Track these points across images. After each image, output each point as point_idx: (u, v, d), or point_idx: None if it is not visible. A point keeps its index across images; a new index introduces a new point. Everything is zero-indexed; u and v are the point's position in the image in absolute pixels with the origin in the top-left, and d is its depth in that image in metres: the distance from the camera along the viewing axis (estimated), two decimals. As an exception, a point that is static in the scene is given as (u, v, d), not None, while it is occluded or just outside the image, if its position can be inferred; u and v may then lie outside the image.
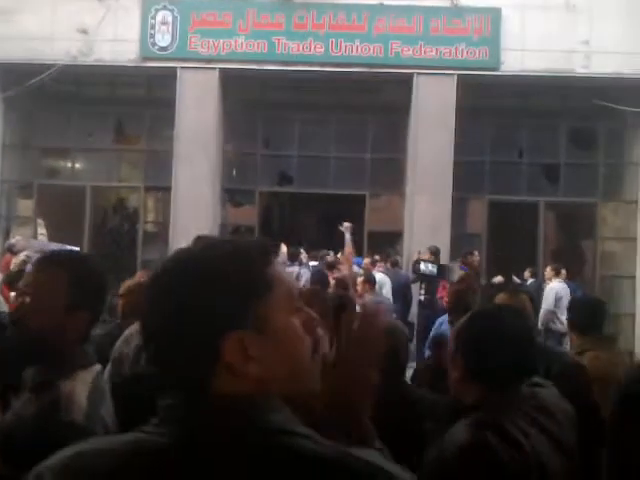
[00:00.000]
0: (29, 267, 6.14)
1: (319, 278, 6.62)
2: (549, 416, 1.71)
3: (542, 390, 1.84)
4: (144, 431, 0.91)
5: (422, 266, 9.43)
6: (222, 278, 0.91)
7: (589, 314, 3.42)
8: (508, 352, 1.69)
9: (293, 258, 9.47)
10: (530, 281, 10.22)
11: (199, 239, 1.02)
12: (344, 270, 7.67)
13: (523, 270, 10.64)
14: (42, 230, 11.87)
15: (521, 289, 3.91)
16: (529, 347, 1.78)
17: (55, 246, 8.79)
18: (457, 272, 8.73)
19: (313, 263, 9.71)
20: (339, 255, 9.14)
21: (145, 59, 11.11)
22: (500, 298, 3.17)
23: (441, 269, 9.47)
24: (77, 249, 8.23)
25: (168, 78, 11.08)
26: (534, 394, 1.77)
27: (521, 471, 1.52)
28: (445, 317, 6.23)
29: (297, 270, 8.92)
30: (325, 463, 0.86)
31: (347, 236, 7.98)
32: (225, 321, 0.90)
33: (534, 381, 1.88)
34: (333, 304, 3.01)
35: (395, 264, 10.27)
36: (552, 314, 8.93)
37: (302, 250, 10.14)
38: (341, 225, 8.30)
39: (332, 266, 8.40)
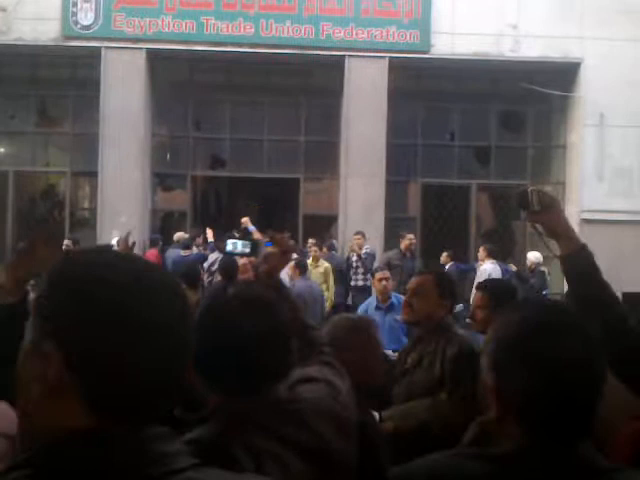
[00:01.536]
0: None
1: (227, 264, 6.44)
2: (299, 425, 1.50)
3: (307, 388, 1.64)
4: None
5: (230, 246, 9.15)
6: None
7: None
8: (233, 355, 1.44)
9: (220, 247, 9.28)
10: (448, 265, 10.23)
11: None
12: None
13: (457, 252, 10.78)
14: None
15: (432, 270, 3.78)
16: (269, 349, 1.48)
17: None
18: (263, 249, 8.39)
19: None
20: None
21: (67, 38, 10.70)
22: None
23: (254, 247, 9.15)
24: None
25: (92, 58, 10.70)
26: (293, 397, 1.57)
27: None
28: (370, 300, 6.25)
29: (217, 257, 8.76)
30: None
31: (250, 227, 8.09)
32: None
33: (307, 376, 1.70)
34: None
35: (331, 248, 10.27)
36: None
37: (236, 234, 10.01)
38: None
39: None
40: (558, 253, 1.95)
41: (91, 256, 0.90)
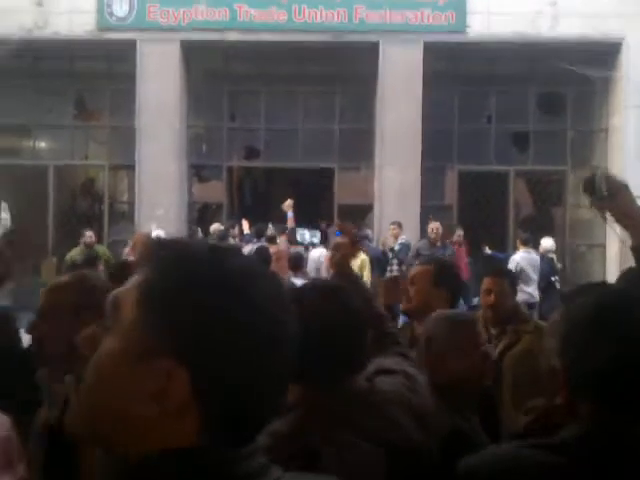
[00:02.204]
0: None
1: (261, 253, 6.49)
2: (378, 416, 1.48)
3: (386, 380, 1.63)
4: None
5: (299, 236, 9.00)
6: None
7: None
8: (316, 345, 1.39)
9: (259, 234, 9.28)
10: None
11: None
12: (282, 246, 7.76)
13: (495, 240, 10.63)
14: (5, 214, 11.57)
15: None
16: (349, 338, 1.49)
17: None
18: (332, 239, 8.29)
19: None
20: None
21: (103, 30, 10.81)
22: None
23: (324, 236, 9.03)
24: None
25: (128, 50, 10.81)
26: (371, 389, 1.56)
27: None
28: None
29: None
30: None
31: (289, 214, 8.12)
32: None
33: (385, 367, 1.69)
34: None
35: (365, 238, 10.15)
36: None
37: (270, 226, 10.00)
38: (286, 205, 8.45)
39: (272, 240, 8.39)
40: (629, 243, 1.85)
41: (208, 257, 0.81)
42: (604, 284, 1.39)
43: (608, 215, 1.86)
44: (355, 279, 2.14)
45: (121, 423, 0.77)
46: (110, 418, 0.77)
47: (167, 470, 0.76)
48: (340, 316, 1.51)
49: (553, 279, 9.54)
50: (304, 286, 1.82)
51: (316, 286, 1.72)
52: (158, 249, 0.83)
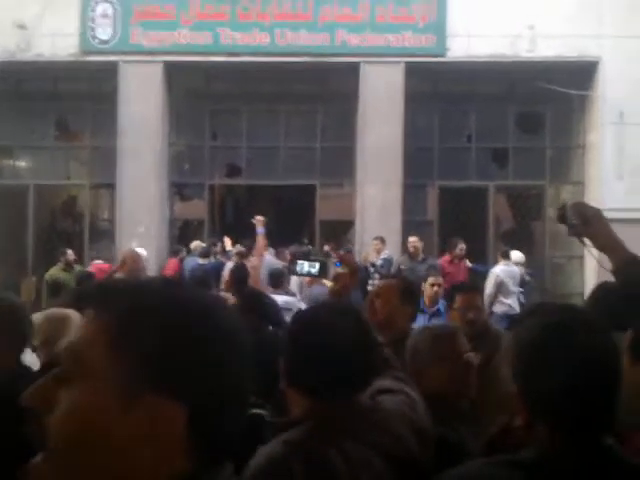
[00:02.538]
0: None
1: (239, 271, 6.50)
2: (384, 432, 1.56)
3: (388, 399, 1.71)
4: None
5: (297, 267, 8.89)
6: None
7: None
8: (332, 360, 1.51)
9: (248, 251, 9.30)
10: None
11: None
12: (255, 261, 7.77)
13: (476, 253, 10.74)
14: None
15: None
16: (362, 354, 1.58)
17: None
18: (332, 269, 8.12)
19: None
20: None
21: (86, 53, 10.80)
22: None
23: (323, 268, 8.92)
24: None
25: (110, 72, 10.79)
26: (376, 406, 1.64)
27: None
28: None
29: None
30: None
31: (259, 230, 8.15)
32: None
33: (386, 387, 1.77)
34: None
35: (350, 253, 10.24)
36: (492, 297, 9.01)
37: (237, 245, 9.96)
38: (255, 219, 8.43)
39: (243, 256, 8.40)
40: (608, 266, 1.94)
41: (166, 291, 0.81)
42: (553, 305, 1.44)
43: (586, 240, 1.95)
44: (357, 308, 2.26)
45: (107, 474, 0.74)
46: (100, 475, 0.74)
47: None
48: (354, 335, 1.58)
49: (519, 290, 9.69)
50: (319, 306, 1.92)
51: (331, 307, 1.80)
52: (111, 292, 0.81)
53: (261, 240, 8.13)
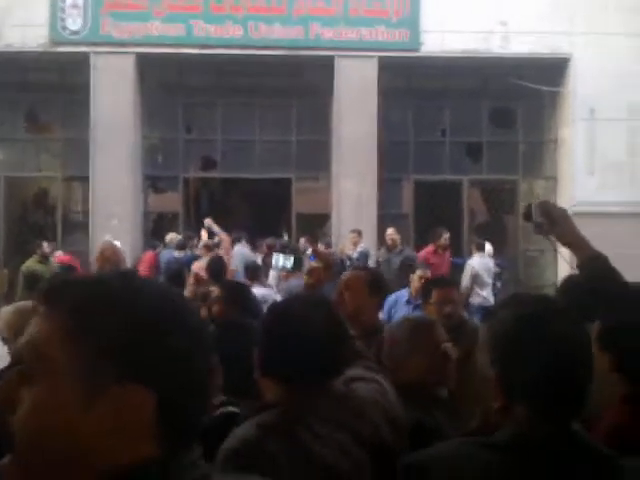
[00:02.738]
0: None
1: (215, 264, 6.47)
2: (358, 417, 1.60)
3: (361, 386, 1.76)
4: None
5: (273, 260, 8.62)
6: None
7: None
8: (305, 349, 1.55)
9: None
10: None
11: None
12: (224, 254, 7.79)
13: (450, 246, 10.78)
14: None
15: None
16: (333, 344, 1.62)
17: None
18: (307, 264, 7.99)
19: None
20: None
21: (56, 44, 10.66)
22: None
23: (298, 262, 8.60)
24: None
25: (81, 63, 10.66)
26: (349, 392, 1.68)
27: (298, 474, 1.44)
28: (402, 293, 6.26)
29: None
30: None
31: (215, 229, 8.14)
32: None
33: (359, 375, 1.81)
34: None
35: (329, 246, 10.25)
36: (468, 290, 9.08)
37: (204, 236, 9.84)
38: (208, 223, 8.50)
39: (210, 249, 8.35)
40: (574, 263, 2.01)
41: (146, 286, 0.82)
42: (526, 296, 1.50)
43: (552, 238, 2.04)
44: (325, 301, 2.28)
45: (74, 466, 0.74)
46: (64, 469, 0.74)
47: None
48: (326, 326, 1.62)
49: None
50: (292, 298, 1.99)
51: (304, 299, 1.85)
52: (63, 287, 0.79)
53: (222, 235, 8.13)
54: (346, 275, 3.16)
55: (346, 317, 3.09)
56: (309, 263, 7.42)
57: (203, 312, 3.86)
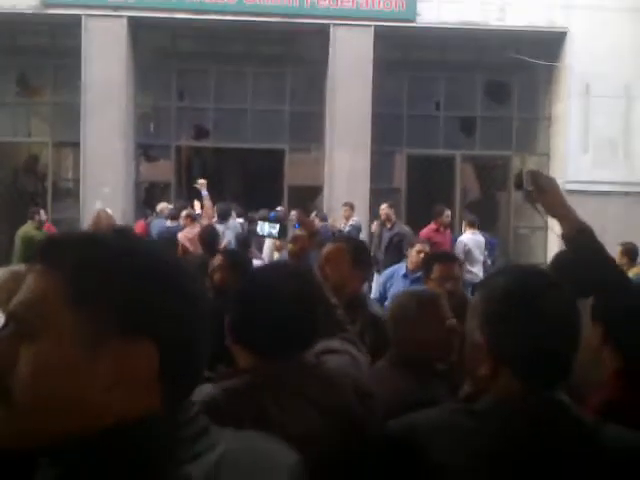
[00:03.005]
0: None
1: (208, 235, 6.42)
2: (325, 388, 1.58)
3: (332, 358, 1.75)
4: None
5: (258, 228, 8.57)
6: None
7: None
8: (273, 318, 1.53)
9: (225, 216, 9.08)
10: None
11: None
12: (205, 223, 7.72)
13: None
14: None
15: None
16: (305, 315, 1.59)
17: None
18: (291, 231, 7.84)
19: (239, 220, 9.43)
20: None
21: (47, 6, 10.47)
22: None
23: (282, 230, 8.52)
24: None
25: (73, 26, 10.49)
26: (319, 364, 1.67)
27: None
28: (399, 267, 6.23)
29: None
30: None
31: (203, 192, 8.08)
32: None
33: (331, 348, 1.80)
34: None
35: (324, 219, 10.19)
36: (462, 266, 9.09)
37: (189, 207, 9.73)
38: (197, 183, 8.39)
39: (193, 219, 8.27)
40: (558, 231, 2.01)
41: (143, 244, 0.83)
42: (518, 266, 1.52)
43: (539, 207, 2.04)
44: (309, 269, 2.25)
45: (78, 420, 0.74)
46: (68, 423, 0.74)
47: (132, 442, 0.76)
48: (299, 295, 1.60)
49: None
50: (268, 266, 1.96)
51: (280, 267, 1.82)
52: (60, 245, 0.79)
53: (207, 202, 8.08)
54: (328, 247, 3.01)
55: (330, 288, 3.11)
56: (293, 231, 7.42)
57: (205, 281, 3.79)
